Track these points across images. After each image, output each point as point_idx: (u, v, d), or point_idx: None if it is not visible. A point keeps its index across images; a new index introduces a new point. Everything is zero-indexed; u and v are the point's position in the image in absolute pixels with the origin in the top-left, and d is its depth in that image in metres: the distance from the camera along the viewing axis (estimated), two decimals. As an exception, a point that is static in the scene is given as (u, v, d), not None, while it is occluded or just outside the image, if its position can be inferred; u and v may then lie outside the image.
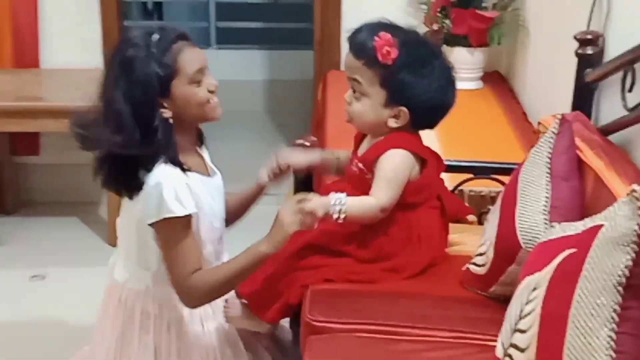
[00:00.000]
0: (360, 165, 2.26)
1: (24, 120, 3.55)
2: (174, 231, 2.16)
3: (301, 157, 2.46)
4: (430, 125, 2.30)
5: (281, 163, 2.41)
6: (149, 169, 2.15)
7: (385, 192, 2.18)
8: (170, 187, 2.13)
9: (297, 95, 5.47)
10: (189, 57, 2.17)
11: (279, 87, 5.74)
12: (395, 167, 2.20)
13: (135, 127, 2.12)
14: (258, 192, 2.48)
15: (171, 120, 2.17)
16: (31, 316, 3.23)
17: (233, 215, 2.47)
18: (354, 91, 2.22)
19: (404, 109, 2.18)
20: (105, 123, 2.15)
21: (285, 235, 2.12)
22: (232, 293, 2.30)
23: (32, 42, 3.97)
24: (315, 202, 2.12)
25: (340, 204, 2.14)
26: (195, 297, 2.22)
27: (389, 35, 2.14)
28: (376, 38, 2.14)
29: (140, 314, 2.30)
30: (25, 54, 3.96)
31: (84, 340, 2.67)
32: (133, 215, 2.21)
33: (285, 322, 2.46)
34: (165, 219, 2.14)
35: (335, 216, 2.14)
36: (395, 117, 2.20)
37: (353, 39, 2.21)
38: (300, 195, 2.17)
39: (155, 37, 2.15)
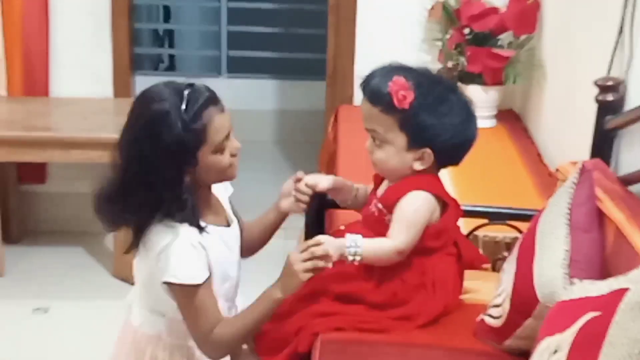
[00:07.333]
0: (380, 205, 2.21)
1: (32, 150, 3.52)
2: (186, 294, 2.10)
3: (324, 179, 2.38)
4: (455, 161, 2.24)
5: (308, 184, 2.33)
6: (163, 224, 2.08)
7: (404, 235, 2.13)
8: (180, 254, 2.06)
9: (308, 127, 5.42)
10: (219, 125, 2.05)
11: (290, 117, 5.70)
12: (416, 209, 2.14)
13: (158, 195, 2.04)
14: (279, 220, 2.39)
15: (188, 185, 2.09)
16: (33, 351, 3.18)
17: (252, 245, 2.39)
18: (374, 139, 2.18)
19: (428, 150, 2.14)
20: (123, 190, 2.08)
21: (298, 282, 2.07)
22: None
23: (42, 71, 3.94)
24: (329, 244, 2.07)
25: (356, 245, 2.08)
26: (220, 351, 2.17)
27: (402, 79, 2.10)
28: (390, 83, 2.09)
29: (149, 359, 2.25)
30: (36, 83, 3.93)
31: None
32: (145, 264, 2.16)
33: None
34: (173, 283, 2.09)
35: (350, 258, 2.09)
36: (420, 159, 2.15)
37: (366, 86, 2.16)
38: (311, 241, 2.11)
39: (186, 99, 2.02)
